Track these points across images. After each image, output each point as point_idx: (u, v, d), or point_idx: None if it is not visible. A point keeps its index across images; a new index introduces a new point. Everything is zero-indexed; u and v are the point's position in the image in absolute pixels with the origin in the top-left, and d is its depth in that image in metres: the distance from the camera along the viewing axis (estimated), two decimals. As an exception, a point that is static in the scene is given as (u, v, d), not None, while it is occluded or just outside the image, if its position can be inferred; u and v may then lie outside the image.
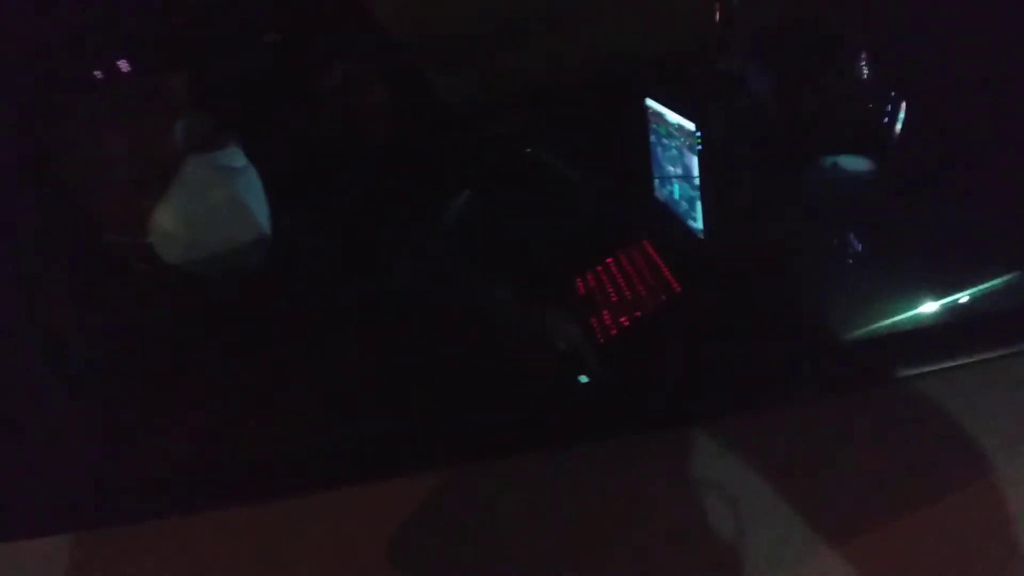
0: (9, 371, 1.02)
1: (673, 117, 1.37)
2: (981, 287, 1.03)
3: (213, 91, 1.11)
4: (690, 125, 1.30)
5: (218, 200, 1.04)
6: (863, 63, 1.40)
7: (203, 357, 1.11)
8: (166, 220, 1.02)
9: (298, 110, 1.30)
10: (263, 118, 1.20)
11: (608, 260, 1.55)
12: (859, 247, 1.32)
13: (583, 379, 1.22)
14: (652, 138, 1.50)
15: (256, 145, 1.13)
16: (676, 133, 1.36)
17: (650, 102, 1.47)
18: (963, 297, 1.04)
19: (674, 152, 1.39)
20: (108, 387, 1.07)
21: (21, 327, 1.04)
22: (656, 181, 1.53)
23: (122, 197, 1.01)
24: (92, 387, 1.06)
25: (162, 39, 1.09)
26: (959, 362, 0.85)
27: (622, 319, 1.38)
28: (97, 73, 1.04)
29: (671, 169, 1.43)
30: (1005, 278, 1.01)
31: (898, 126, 1.34)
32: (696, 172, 1.31)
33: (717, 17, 1.43)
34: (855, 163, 1.35)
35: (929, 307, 1.04)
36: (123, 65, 1.05)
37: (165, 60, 1.09)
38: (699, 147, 1.28)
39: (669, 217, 1.47)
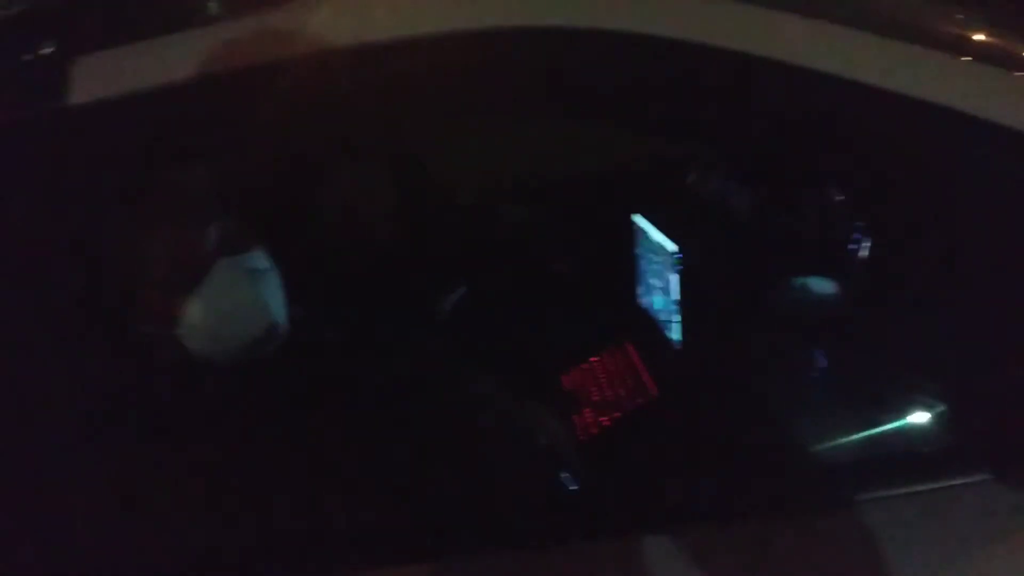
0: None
1: (656, 236, 1.49)
2: (919, 419, 1.13)
3: (242, 200, 1.24)
4: (671, 245, 1.43)
5: (242, 300, 1.16)
6: (834, 196, 1.52)
7: (212, 438, 1.20)
8: (195, 316, 1.14)
9: (315, 215, 1.43)
10: (285, 223, 1.33)
11: (593, 359, 1.66)
12: (824, 363, 1.42)
13: (562, 476, 1.32)
14: (638, 251, 1.62)
15: (278, 248, 1.25)
16: (658, 251, 1.49)
17: (637, 218, 1.59)
18: (910, 426, 1.14)
19: (656, 267, 1.52)
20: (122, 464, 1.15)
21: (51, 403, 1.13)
22: (640, 290, 1.65)
23: (158, 294, 1.13)
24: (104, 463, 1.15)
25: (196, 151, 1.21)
26: (899, 491, 0.94)
27: (602, 419, 1.49)
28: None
29: (653, 281, 1.55)
30: (947, 412, 1.11)
31: (863, 254, 1.46)
32: (674, 288, 1.44)
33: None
34: (822, 285, 1.46)
35: (877, 434, 1.15)
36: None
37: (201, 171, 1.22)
38: (678, 267, 1.41)
39: (650, 325, 1.59)
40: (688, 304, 1.45)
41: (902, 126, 1.02)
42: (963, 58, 1.04)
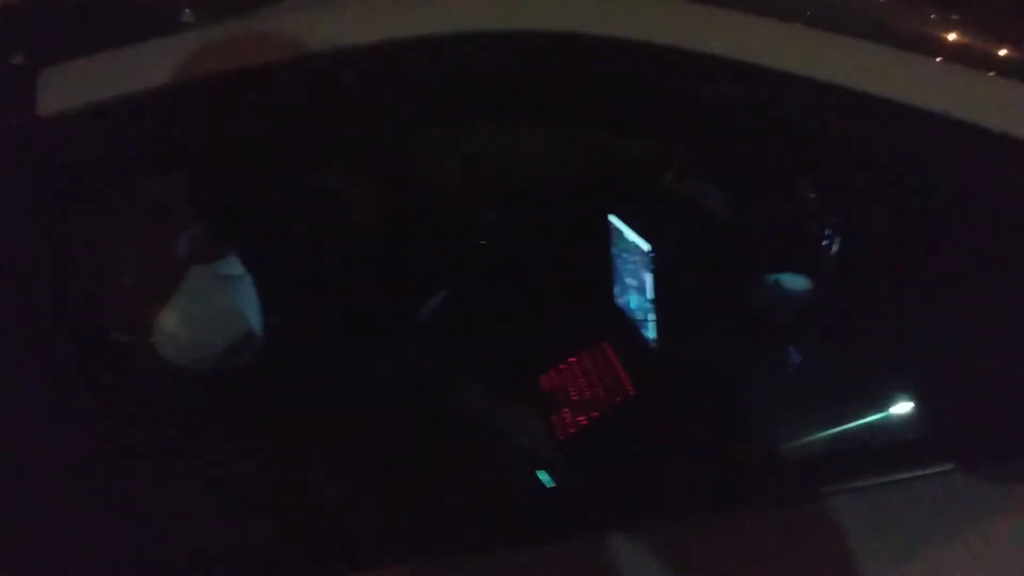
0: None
1: (631, 235, 1.51)
2: (887, 413, 1.15)
3: (215, 206, 1.24)
4: (645, 245, 1.44)
5: (216, 307, 1.17)
6: (806, 194, 1.54)
7: (189, 445, 1.20)
8: (169, 323, 1.14)
9: (291, 216, 1.43)
10: (259, 229, 1.33)
11: (572, 360, 1.67)
12: (797, 358, 1.44)
13: (542, 475, 1.32)
14: (614, 251, 1.64)
15: (252, 254, 1.26)
16: (633, 250, 1.50)
17: (613, 219, 1.61)
18: (876, 418, 1.16)
19: (631, 266, 1.53)
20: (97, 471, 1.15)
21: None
22: (617, 289, 1.66)
23: (132, 302, 1.14)
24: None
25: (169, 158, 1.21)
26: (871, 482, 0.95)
27: (580, 418, 1.50)
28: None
29: (629, 281, 1.57)
30: (912, 404, 1.12)
31: (834, 250, 1.48)
32: (649, 287, 1.45)
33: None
34: (795, 281, 1.48)
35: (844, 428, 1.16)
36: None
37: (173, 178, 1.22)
38: (652, 266, 1.42)
39: (627, 324, 1.60)
40: (664, 303, 1.46)
41: (874, 126, 1.03)
42: (935, 58, 1.05)
